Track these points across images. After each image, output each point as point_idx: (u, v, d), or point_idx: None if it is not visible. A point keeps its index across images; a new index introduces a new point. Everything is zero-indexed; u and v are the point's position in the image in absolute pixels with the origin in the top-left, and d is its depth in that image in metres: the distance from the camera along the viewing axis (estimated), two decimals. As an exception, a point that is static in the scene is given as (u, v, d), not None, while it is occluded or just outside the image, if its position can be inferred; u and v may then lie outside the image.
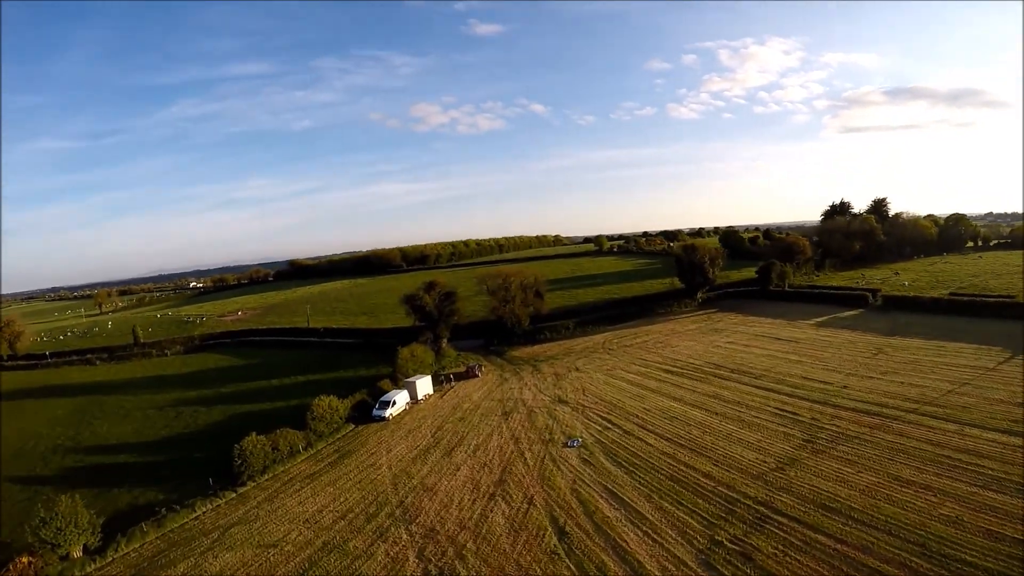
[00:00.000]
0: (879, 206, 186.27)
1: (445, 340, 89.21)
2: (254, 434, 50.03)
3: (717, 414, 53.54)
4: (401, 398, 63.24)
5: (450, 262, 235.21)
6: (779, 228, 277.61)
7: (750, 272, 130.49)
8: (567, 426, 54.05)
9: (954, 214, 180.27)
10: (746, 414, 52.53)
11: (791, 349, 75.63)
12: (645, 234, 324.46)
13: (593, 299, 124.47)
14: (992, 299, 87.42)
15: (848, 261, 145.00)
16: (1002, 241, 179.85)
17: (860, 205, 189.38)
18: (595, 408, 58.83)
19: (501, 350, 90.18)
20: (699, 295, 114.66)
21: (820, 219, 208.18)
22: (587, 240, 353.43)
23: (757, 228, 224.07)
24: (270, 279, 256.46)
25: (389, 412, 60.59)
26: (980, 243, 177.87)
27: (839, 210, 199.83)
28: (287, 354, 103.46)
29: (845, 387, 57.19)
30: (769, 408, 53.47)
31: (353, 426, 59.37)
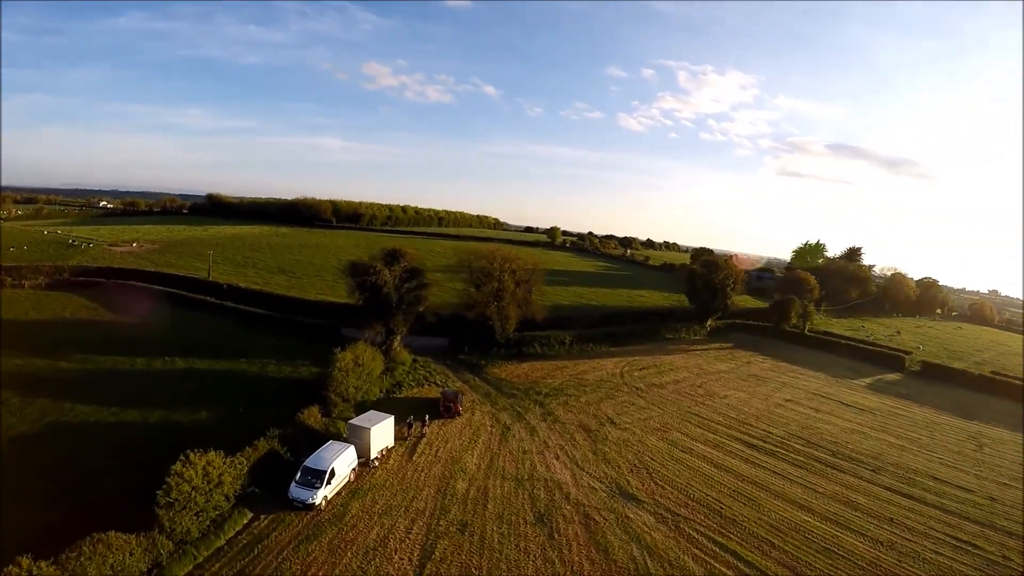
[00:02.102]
0: (854, 254, 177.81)
1: (399, 338, 60.71)
2: (27, 561, 20.43)
3: (883, 544, 34.67)
4: (343, 462, 34.09)
5: (384, 225, 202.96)
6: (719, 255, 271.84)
7: (742, 302, 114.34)
8: (677, 567, 28.82)
9: (926, 278, 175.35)
10: (919, 546, 35.21)
11: (875, 424, 58.99)
12: (590, 234, 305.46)
13: (569, 302, 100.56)
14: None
15: (840, 308, 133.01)
16: (961, 313, 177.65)
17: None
18: (692, 517, 34.71)
19: (476, 364, 62.80)
20: (709, 322, 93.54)
21: (791, 257, 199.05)
22: (529, 229, 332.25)
23: (705, 251, 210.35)
24: (184, 211, 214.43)
25: (321, 495, 31.61)
26: (943, 310, 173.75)
27: (812, 250, 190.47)
28: (173, 315, 70.66)
29: (992, 499, 43.70)
30: (938, 533, 37.08)
31: (249, 516, 29.69)
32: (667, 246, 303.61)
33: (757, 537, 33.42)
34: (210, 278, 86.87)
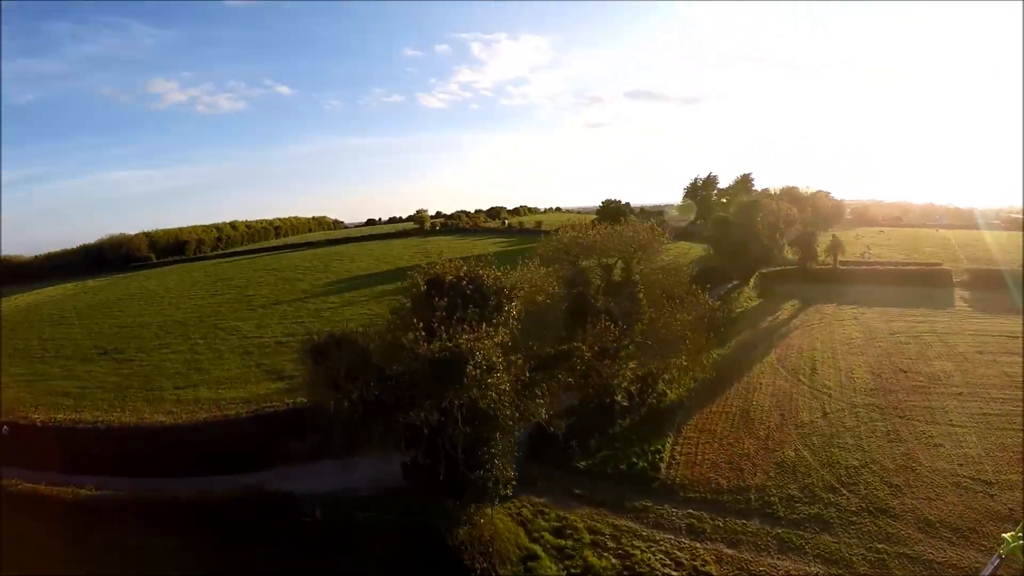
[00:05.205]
0: (746, 181, 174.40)
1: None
2: None
3: None
4: None
5: (216, 250, 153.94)
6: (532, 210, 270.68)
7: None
8: None
9: (821, 191, 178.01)
10: None
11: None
12: (438, 213, 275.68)
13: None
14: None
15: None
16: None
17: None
18: None
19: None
20: (752, 280, 72.76)
21: (684, 192, 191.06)
22: (371, 222, 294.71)
23: (612, 202, 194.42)
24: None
25: None
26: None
27: (706, 184, 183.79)
28: None
29: None
30: None
31: None
32: (529, 211, 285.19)
33: None
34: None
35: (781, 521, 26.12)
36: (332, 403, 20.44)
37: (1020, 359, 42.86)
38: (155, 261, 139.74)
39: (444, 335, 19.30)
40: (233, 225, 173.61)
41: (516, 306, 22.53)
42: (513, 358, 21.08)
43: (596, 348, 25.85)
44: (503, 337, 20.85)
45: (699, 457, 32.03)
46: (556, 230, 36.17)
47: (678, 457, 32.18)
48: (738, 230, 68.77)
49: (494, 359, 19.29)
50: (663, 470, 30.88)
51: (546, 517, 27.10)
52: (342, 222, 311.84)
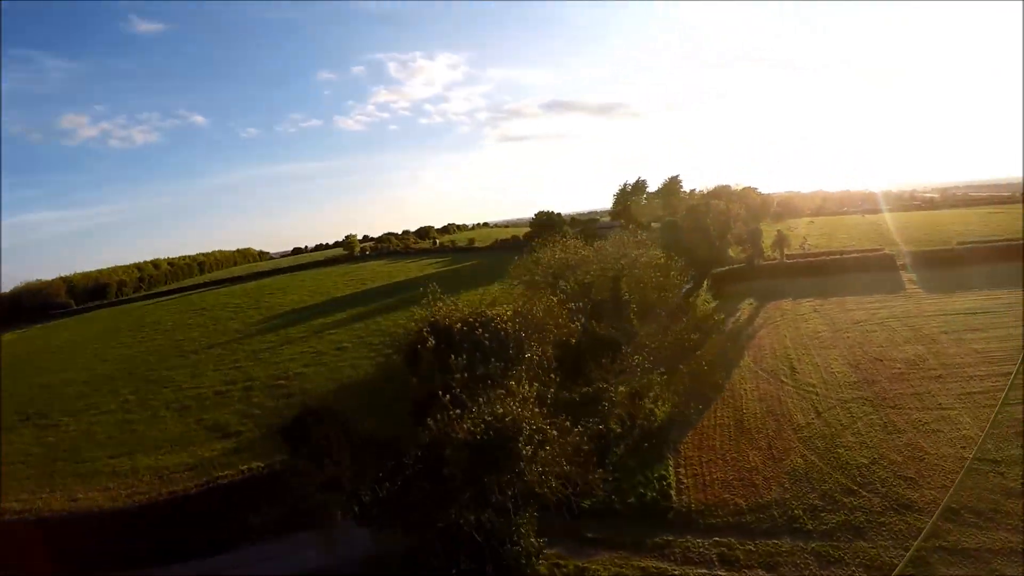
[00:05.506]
0: (675, 183, 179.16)
1: None
2: None
3: None
4: None
5: (139, 291, 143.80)
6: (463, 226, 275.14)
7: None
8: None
9: (748, 186, 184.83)
10: None
11: None
12: (366, 237, 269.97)
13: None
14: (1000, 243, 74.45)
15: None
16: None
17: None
18: None
19: None
20: (705, 282, 73.43)
21: (614, 198, 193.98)
22: (297, 251, 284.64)
23: (545, 212, 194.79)
24: None
25: None
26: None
27: (635, 189, 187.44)
28: None
29: None
30: None
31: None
32: (457, 228, 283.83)
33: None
34: None
35: (812, 535, 25.12)
36: (339, 512, 17.04)
37: (985, 335, 44.48)
38: (75, 307, 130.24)
39: (483, 407, 16.25)
40: (155, 263, 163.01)
41: (544, 351, 19.97)
42: (566, 423, 18.30)
43: (622, 386, 23.85)
44: (534, 390, 18.16)
45: (707, 477, 30.70)
46: (535, 249, 34.07)
47: (686, 481, 30.70)
48: (689, 233, 69.42)
49: (550, 432, 16.45)
50: (674, 497, 29.19)
51: (564, 570, 24.63)
52: (268, 253, 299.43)
